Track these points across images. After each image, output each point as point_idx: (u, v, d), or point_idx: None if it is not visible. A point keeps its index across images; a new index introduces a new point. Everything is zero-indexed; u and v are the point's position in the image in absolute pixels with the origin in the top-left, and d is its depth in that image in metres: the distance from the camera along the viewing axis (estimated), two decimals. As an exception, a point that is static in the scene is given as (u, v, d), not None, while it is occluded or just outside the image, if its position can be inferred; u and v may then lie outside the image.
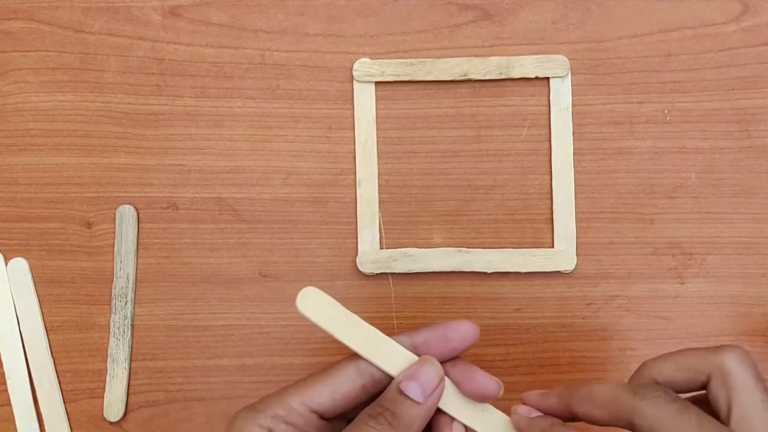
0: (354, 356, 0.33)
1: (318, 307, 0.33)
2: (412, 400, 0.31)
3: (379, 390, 0.33)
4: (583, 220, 0.49)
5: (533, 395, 0.34)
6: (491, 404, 0.34)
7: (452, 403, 0.34)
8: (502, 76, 0.48)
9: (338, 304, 0.34)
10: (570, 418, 0.33)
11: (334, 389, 0.32)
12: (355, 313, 0.49)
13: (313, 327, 0.49)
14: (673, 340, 0.48)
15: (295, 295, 0.34)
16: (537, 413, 0.33)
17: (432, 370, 0.32)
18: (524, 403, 0.34)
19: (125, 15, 0.50)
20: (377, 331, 0.34)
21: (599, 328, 0.49)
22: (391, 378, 0.33)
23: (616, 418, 0.30)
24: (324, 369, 0.33)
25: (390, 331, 0.49)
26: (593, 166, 0.49)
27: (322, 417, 0.32)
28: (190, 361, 0.50)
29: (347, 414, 0.33)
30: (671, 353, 0.32)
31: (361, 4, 0.49)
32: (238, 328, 0.50)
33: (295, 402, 0.31)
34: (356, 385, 0.32)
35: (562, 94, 0.48)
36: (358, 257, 0.49)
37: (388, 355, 0.33)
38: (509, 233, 0.49)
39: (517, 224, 0.49)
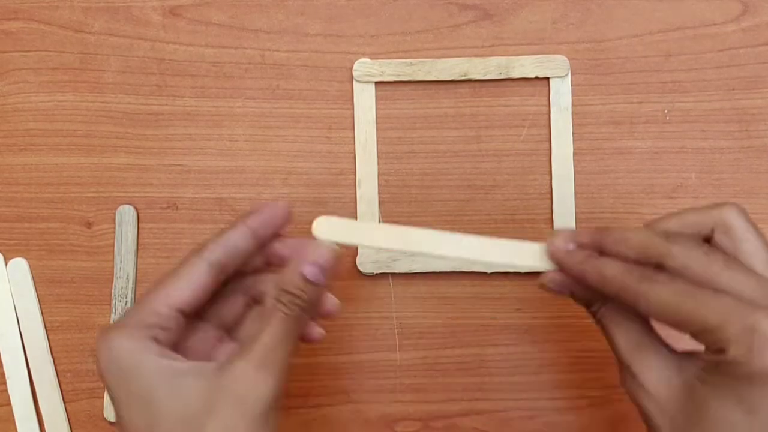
0: (197, 250, 0.36)
1: (333, 229, 0.37)
2: (314, 283, 0.35)
3: (225, 277, 0.36)
4: (583, 220, 0.49)
5: (564, 233, 0.36)
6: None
7: (484, 250, 0.38)
8: (502, 76, 0.48)
9: (351, 220, 0.38)
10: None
11: (192, 284, 0.35)
12: (355, 314, 0.49)
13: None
14: (673, 340, 0.48)
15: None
16: (573, 246, 0.36)
17: (326, 251, 0.36)
18: (554, 240, 0.36)
19: (125, 15, 0.50)
20: (395, 225, 0.38)
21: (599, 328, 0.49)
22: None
23: (647, 258, 0.34)
24: (173, 270, 0.36)
25: (390, 332, 0.49)
26: (593, 166, 0.49)
27: (184, 314, 0.35)
28: (190, 361, 0.50)
29: (201, 312, 0.37)
30: (672, 213, 0.35)
31: (361, 4, 0.49)
32: (238, 328, 0.50)
33: (161, 306, 0.34)
34: (209, 275, 0.35)
35: (562, 94, 0.48)
36: (358, 257, 0.49)
37: (421, 240, 0.37)
38: (509, 233, 0.49)
39: (517, 224, 0.49)
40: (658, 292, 0.32)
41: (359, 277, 0.49)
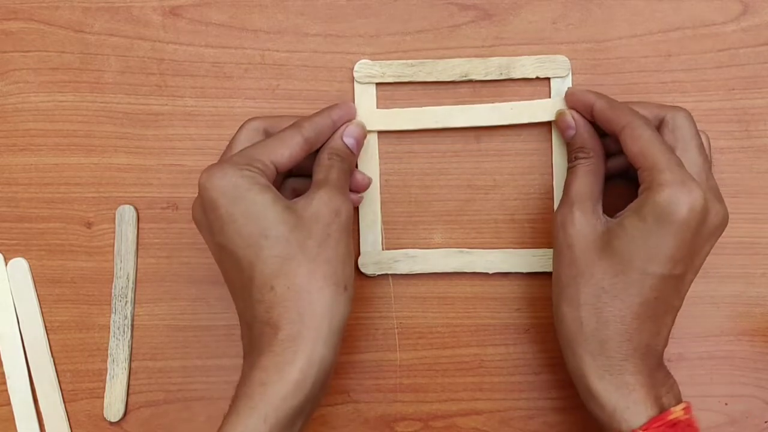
0: (294, 126, 0.44)
1: (367, 118, 0.48)
2: (350, 148, 0.46)
3: (312, 150, 0.44)
4: (583, 220, 0.49)
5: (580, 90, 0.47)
6: None
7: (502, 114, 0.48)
8: (503, 77, 0.48)
9: (381, 110, 0.49)
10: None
11: (289, 148, 0.43)
12: (355, 314, 0.49)
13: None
14: (673, 340, 0.48)
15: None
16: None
17: (361, 128, 0.47)
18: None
19: (125, 15, 0.50)
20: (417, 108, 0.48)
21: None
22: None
23: (653, 115, 0.44)
24: (272, 137, 0.43)
25: (390, 332, 0.49)
26: (593, 166, 0.49)
27: (277, 169, 0.42)
28: (190, 361, 0.50)
29: (290, 170, 0.44)
30: (641, 102, 0.45)
31: (361, 4, 0.49)
32: (238, 328, 0.49)
33: (265, 158, 0.42)
34: (301, 147, 0.43)
35: (562, 93, 0.48)
36: (359, 258, 0.49)
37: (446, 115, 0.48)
38: (509, 233, 0.49)
39: (517, 224, 0.49)
40: (643, 128, 0.41)
41: (360, 277, 0.49)
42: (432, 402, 0.49)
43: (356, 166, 0.49)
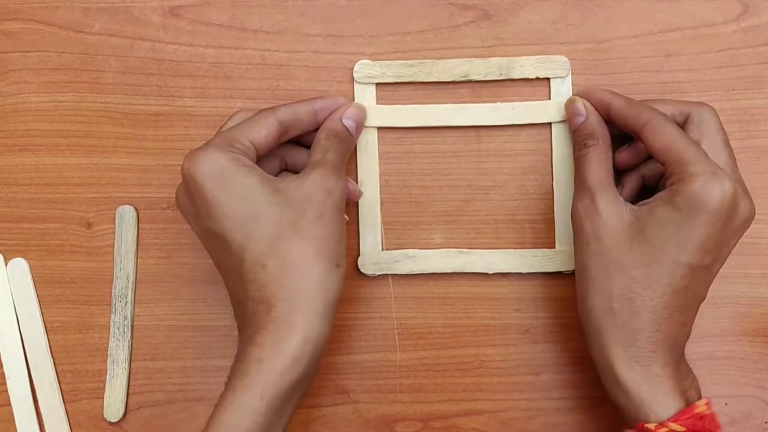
0: (270, 108, 0.44)
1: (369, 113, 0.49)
2: (349, 130, 0.46)
3: (283, 138, 0.44)
4: (583, 220, 0.49)
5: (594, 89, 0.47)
6: None
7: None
8: (503, 77, 0.48)
9: (379, 106, 0.49)
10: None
11: (264, 128, 0.43)
12: (355, 314, 0.49)
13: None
14: (673, 340, 0.48)
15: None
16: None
17: (361, 111, 0.47)
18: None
19: (125, 15, 0.50)
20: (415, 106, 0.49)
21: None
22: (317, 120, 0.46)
23: (671, 114, 0.44)
24: (247, 119, 0.44)
25: (390, 332, 0.49)
26: (593, 167, 0.49)
27: (257, 150, 0.42)
28: (190, 361, 0.50)
29: (265, 153, 0.44)
30: (663, 99, 0.46)
31: (361, 4, 0.49)
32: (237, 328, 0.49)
33: (243, 138, 0.42)
34: (276, 129, 0.43)
35: (562, 94, 0.48)
36: (359, 258, 0.49)
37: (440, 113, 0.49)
38: (509, 233, 0.49)
39: (517, 224, 0.49)
40: (664, 123, 0.42)
41: (360, 277, 0.49)
42: (432, 402, 0.49)
43: (355, 166, 0.49)
